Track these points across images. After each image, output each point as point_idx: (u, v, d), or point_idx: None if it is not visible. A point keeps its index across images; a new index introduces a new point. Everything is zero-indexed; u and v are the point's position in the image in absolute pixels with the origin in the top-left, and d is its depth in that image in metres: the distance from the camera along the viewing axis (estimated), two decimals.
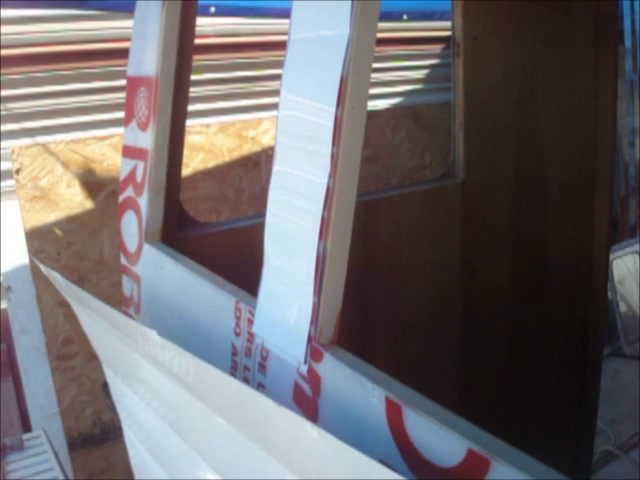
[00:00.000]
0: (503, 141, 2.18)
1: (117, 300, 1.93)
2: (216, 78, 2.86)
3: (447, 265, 2.14)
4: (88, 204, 2.49)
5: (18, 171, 2.37)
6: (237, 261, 1.71)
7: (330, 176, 1.06)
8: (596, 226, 2.36)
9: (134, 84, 1.70)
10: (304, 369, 1.11)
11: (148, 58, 1.63)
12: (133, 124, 1.70)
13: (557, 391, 2.43)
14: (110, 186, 2.48)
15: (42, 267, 1.39)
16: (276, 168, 1.19)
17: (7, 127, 2.45)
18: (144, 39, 1.65)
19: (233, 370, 1.31)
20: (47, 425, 2.46)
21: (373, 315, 2.01)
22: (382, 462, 0.70)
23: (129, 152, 1.73)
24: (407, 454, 0.93)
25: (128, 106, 1.72)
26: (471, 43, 2.08)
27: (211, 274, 1.44)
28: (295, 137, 1.14)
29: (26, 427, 2.61)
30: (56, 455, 1.89)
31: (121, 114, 1.83)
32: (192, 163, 2.68)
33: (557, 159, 2.27)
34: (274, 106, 1.20)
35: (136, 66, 1.70)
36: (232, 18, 2.85)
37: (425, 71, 3.48)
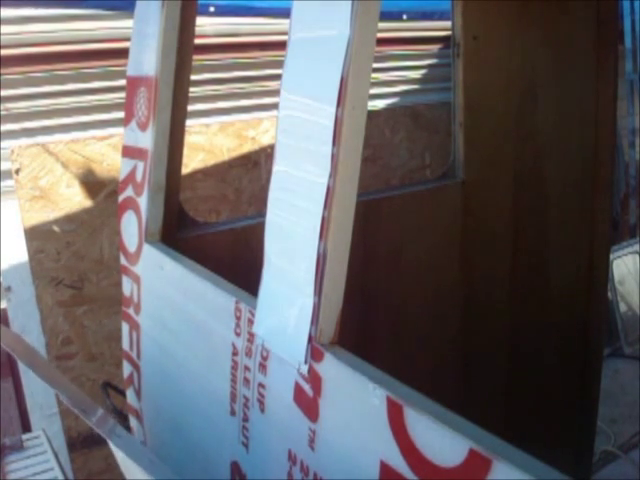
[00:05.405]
0: (503, 141, 2.18)
1: (117, 300, 1.93)
2: (216, 78, 2.86)
3: (447, 265, 2.14)
4: (88, 204, 2.49)
5: (18, 171, 2.37)
6: (237, 261, 1.72)
7: (330, 176, 1.06)
8: (596, 226, 2.36)
9: (134, 84, 1.70)
10: (305, 369, 1.10)
11: (148, 58, 1.63)
12: (133, 124, 1.70)
13: (557, 391, 2.43)
14: (110, 186, 2.48)
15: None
16: (276, 168, 1.19)
17: (7, 127, 2.45)
18: (144, 39, 1.65)
19: (233, 370, 1.31)
20: (47, 425, 2.46)
21: (374, 315, 2.00)
22: None
23: (129, 152, 1.73)
24: (408, 454, 0.93)
25: (128, 106, 1.72)
26: (471, 43, 2.08)
27: (211, 274, 1.43)
28: (295, 137, 1.14)
29: (26, 427, 2.61)
30: (56, 455, 1.88)
31: (121, 114, 1.83)
32: (192, 163, 2.68)
33: (557, 159, 2.27)
34: (274, 106, 1.20)
35: (136, 66, 1.70)
36: (232, 18, 2.85)
37: (425, 71, 3.48)
